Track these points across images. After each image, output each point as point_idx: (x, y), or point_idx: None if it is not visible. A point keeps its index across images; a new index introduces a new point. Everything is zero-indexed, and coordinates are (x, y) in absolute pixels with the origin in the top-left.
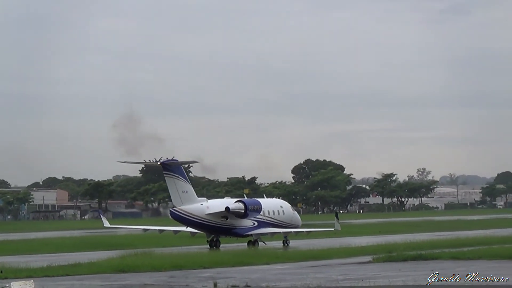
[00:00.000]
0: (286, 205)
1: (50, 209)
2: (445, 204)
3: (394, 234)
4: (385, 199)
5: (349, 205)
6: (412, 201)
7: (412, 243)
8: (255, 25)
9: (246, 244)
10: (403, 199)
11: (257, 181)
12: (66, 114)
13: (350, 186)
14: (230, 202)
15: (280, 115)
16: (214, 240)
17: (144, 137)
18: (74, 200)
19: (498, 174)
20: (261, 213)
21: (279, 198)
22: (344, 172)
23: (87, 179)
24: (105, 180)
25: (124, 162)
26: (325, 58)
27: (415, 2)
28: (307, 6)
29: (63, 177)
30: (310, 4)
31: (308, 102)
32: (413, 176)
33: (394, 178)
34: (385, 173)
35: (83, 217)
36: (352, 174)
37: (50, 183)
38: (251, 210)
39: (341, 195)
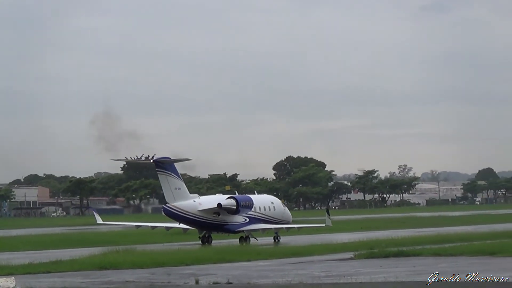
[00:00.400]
0: (277, 201)
1: (31, 206)
2: (426, 200)
3: (375, 230)
4: (366, 195)
5: (330, 201)
6: (393, 197)
7: (394, 239)
8: (235, 21)
9: (238, 240)
10: (384, 196)
11: (239, 178)
12: (48, 111)
13: (332, 183)
14: (222, 199)
15: (262, 112)
16: (206, 236)
17: (122, 134)
18: (56, 197)
19: (479, 171)
20: (253, 209)
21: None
22: (326, 168)
23: (68, 176)
24: (86, 177)
25: (118, 160)
26: (306, 55)
27: None
28: (289, 3)
29: (44, 174)
30: (292, 0)
31: (289, 99)
32: (394, 172)
33: (375, 174)
34: (366, 170)
35: (53, 214)
36: (333, 171)
37: (32, 180)
38: (243, 206)
39: (322, 191)
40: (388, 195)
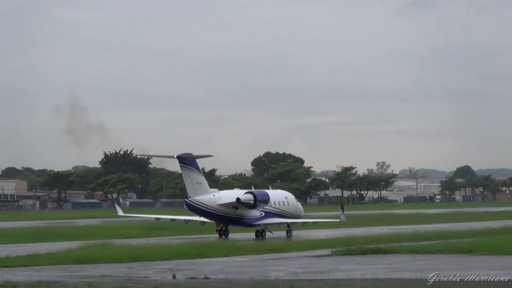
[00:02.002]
0: (290, 196)
1: (9, 199)
2: (404, 197)
3: (353, 227)
4: (344, 192)
5: (308, 197)
6: (371, 194)
7: (371, 236)
8: (217, 17)
9: (254, 233)
10: (362, 192)
11: (217, 173)
12: (26, 104)
13: (310, 179)
14: (240, 193)
15: (241, 107)
16: (223, 229)
17: (91, 127)
18: (34, 190)
19: (457, 168)
20: (268, 204)
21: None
22: (304, 165)
23: (46, 169)
24: (64, 171)
25: (142, 155)
26: (286, 51)
27: None
28: None
29: (22, 167)
30: None
31: (268, 95)
32: (372, 169)
33: (353, 171)
34: (344, 166)
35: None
36: (311, 167)
37: (9, 173)
38: (260, 201)
39: (300, 187)
40: (366, 192)
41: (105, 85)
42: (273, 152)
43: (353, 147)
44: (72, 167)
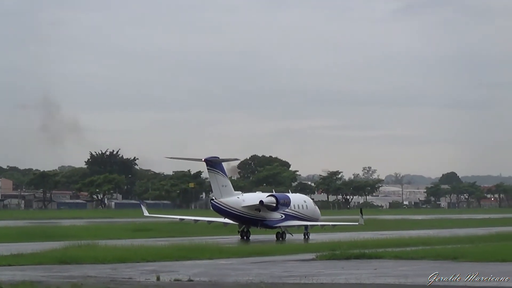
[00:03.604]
0: (309, 200)
1: None
2: (389, 203)
3: (338, 232)
4: (330, 196)
5: None
6: (357, 199)
7: (356, 241)
8: (205, 20)
9: (274, 235)
10: (348, 197)
11: (203, 176)
12: (11, 103)
13: (296, 183)
14: (263, 196)
15: (227, 110)
16: (245, 230)
17: (73, 128)
18: (19, 190)
19: (443, 175)
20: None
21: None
22: (290, 168)
23: (32, 169)
24: (50, 171)
25: (171, 158)
26: (274, 55)
27: (367, 0)
28: (258, 2)
29: (8, 166)
30: (261, 0)
31: (255, 99)
32: (358, 174)
33: (339, 175)
34: (330, 171)
35: None
36: (297, 171)
37: None
38: (282, 204)
39: (286, 191)
40: (351, 197)
41: (90, 86)
42: (259, 155)
43: (339, 152)
44: (58, 167)
